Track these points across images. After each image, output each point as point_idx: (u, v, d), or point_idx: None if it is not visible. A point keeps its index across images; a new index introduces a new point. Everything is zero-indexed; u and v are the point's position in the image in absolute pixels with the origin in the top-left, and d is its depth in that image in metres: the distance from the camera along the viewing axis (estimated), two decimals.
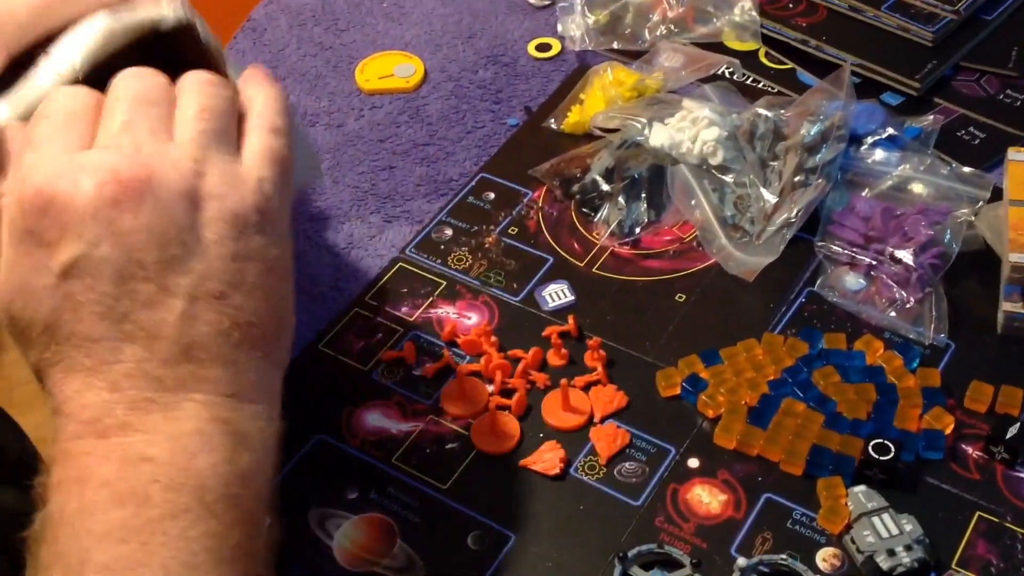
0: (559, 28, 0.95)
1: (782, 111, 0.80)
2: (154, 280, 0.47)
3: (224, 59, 0.62)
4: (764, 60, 0.91)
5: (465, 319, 0.74)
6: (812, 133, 0.78)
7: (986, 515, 0.62)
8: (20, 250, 0.47)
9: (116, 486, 0.45)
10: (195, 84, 0.52)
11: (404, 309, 0.74)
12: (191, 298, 0.47)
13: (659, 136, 0.80)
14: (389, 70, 0.93)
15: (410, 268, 0.77)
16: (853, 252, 0.74)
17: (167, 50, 0.63)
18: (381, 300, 0.75)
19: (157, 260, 0.47)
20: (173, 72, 0.63)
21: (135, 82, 0.51)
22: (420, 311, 0.74)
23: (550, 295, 0.75)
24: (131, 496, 0.45)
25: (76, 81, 0.54)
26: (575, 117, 0.85)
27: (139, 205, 0.47)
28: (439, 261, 0.77)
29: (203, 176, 0.48)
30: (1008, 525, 0.61)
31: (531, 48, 0.94)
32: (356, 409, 0.68)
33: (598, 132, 0.84)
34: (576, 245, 0.78)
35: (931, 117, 0.83)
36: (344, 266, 0.78)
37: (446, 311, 0.74)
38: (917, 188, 0.78)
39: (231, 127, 0.52)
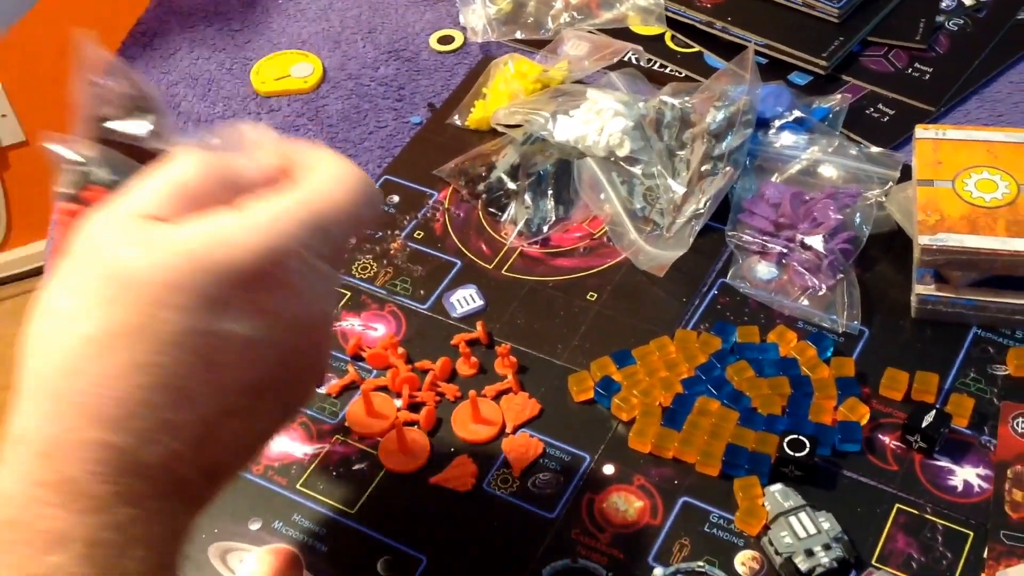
0: (461, 19, 0.92)
1: (688, 98, 0.78)
2: None
3: None
4: (671, 44, 0.89)
5: (371, 331, 0.71)
6: (718, 119, 0.76)
7: (905, 507, 0.61)
8: None
9: None
10: None
11: None
12: None
13: (564, 130, 0.78)
14: (286, 70, 0.89)
15: None
16: (764, 240, 0.73)
17: None
18: None
19: None
20: None
21: None
22: None
23: (459, 301, 0.73)
24: None
25: None
26: (479, 113, 0.83)
27: None
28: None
29: None
30: (928, 516, 0.60)
31: (433, 41, 0.91)
32: None
33: (501, 128, 0.81)
34: (484, 247, 0.76)
35: (839, 96, 0.81)
36: None
37: (351, 323, 0.71)
38: (826, 171, 0.76)
39: None
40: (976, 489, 0.61)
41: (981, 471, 0.62)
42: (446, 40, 0.91)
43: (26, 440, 0.42)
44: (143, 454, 0.42)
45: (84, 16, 1.54)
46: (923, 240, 0.67)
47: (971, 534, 0.59)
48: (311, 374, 0.49)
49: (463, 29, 0.92)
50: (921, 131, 0.73)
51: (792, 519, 0.59)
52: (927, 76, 0.85)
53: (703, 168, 0.75)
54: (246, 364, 0.44)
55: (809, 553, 0.58)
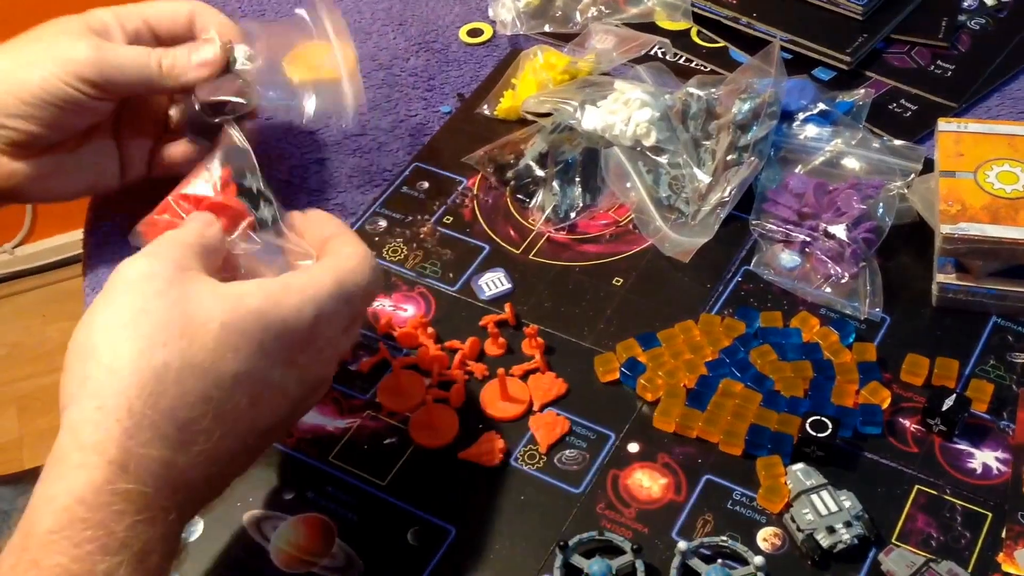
0: (490, 12, 0.94)
1: (713, 90, 0.80)
2: None
3: None
4: (696, 39, 0.91)
5: (401, 311, 0.73)
6: (743, 111, 0.77)
7: (925, 488, 0.62)
8: None
9: None
10: None
11: None
12: None
13: (592, 119, 0.79)
14: (318, 60, 0.91)
15: None
16: (787, 229, 0.74)
17: None
18: None
19: None
20: None
21: None
22: None
23: (487, 284, 0.74)
24: None
25: None
26: (508, 102, 0.84)
27: None
28: (374, 254, 0.76)
29: None
30: (947, 497, 0.62)
31: (463, 34, 0.93)
32: None
33: (531, 117, 0.83)
34: (512, 232, 0.77)
35: (862, 91, 0.83)
36: None
37: (381, 304, 0.73)
38: (850, 163, 0.77)
39: None
40: (995, 472, 0.63)
41: (1000, 455, 0.63)
42: (475, 33, 0.93)
43: (101, 450, 0.47)
44: (190, 474, 0.49)
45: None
46: (945, 229, 0.68)
47: (989, 515, 0.61)
48: (294, 423, 0.59)
49: (492, 22, 0.93)
50: (943, 124, 0.74)
51: (814, 497, 0.60)
52: (949, 73, 0.86)
53: (728, 158, 0.76)
54: (273, 407, 0.53)
55: (830, 530, 0.59)
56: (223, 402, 0.50)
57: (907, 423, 0.65)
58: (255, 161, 0.67)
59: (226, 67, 0.70)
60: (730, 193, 0.75)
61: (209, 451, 0.49)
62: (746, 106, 0.77)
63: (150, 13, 0.71)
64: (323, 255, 0.58)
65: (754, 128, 0.77)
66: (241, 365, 0.50)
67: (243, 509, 0.62)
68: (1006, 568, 0.58)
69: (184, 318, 0.50)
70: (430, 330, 0.71)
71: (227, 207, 0.63)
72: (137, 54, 0.68)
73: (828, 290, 0.71)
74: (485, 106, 0.86)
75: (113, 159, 0.73)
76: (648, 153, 0.78)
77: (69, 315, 1.87)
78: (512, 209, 0.79)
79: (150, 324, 0.49)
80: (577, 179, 0.78)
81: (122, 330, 0.49)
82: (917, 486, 0.62)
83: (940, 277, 0.70)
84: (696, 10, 0.91)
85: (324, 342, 0.55)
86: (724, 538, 0.60)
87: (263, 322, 0.51)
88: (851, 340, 0.69)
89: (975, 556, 0.59)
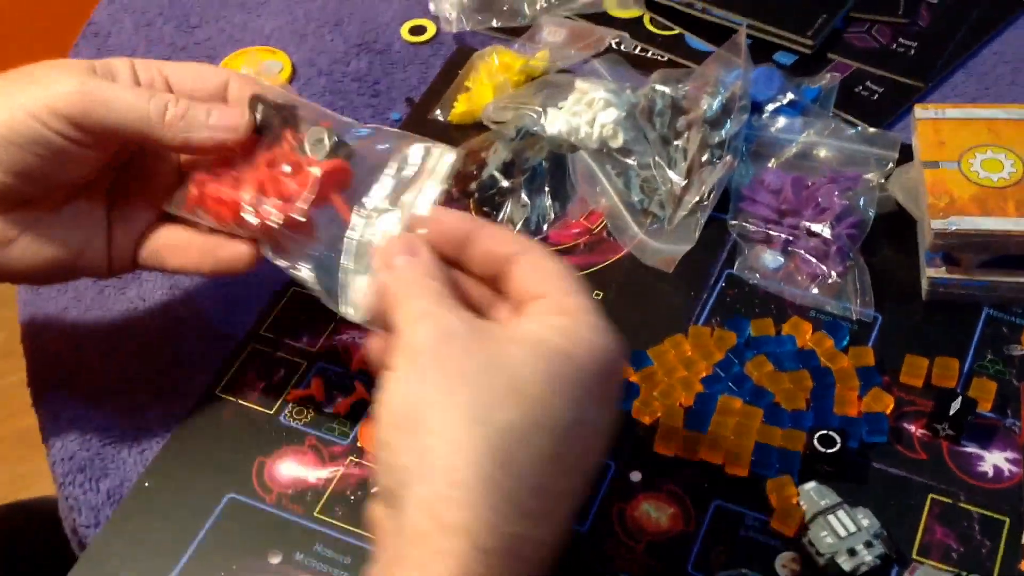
0: (432, 7, 0.89)
1: (679, 84, 0.76)
2: None
3: None
4: (650, 26, 0.87)
5: None
6: (714, 107, 0.74)
7: (938, 496, 0.60)
8: None
9: None
10: None
11: (305, 339, 0.68)
12: None
13: (555, 123, 0.75)
14: (253, 68, 0.85)
15: (305, 291, 0.71)
16: (768, 229, 0.71)
17: None
18: (278, 331, 0.69)
19: None
20: None
21: None
22: (323, 339, 0.68)
23: None
24: None
25: None
26: (463, 107, 0.80)
27: None
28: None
29: None
30: (962, 505, 0.60)
31: (404, 32, 0.88)
32: (267, 459, 0.63)
33: (493, 126, 0.78)
34: None
35: (828, 75, 0.80)
36: (230, 295, 0.71)
37: (351, 336, 0.68)
38: (823, 153, 0.75)
39: None
40: (1007, 474, 0.61)
41: (1009, 455, 0.62)
42: (418, 30, 0.88)
43: (467, 531, 0.42)
44: (548, 542, 0.45)
45: (34, 17, 1.46)
46: (936, 225, 0.66)
47: (1007, 520, 0.59)
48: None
49: (435, 18, 0.88)
50: (920, 111, 0.72)
51: (831, 518, 0.58)
52: (912, 51, 0.84)
53: (702, 157, 0.73)
54: (596, 451, 0.48)
55: (852, 552, 0.57)
56: (565, 457, 0.45)
57: (912, 428, 0.63)
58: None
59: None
60: (708, 195, 0.72)
61: (563, 514, 0.45)
62: (716, 101, 0.74)
63: (171, 71, 0.59)
64: (526, 275, 0.50)
65: (727, 124, 0.74)
66: (572, 413, 0.45)
67: None
68: None
69: (503, 373, 0.45)
70: None
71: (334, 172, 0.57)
72: (134, 94, 0.55)
73: (815, 291, 0.69)
74: (438, 111, 0.81)
75: (99, 232, 0.60)
76: (616, 155, 0.75)
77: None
78: None
79: (472, 388, 0.44)
80: (546, 188, 0.74)
81: (447, 397, 0.44)
82: (931, 495, 0.60)
83: (930, 272, 0.68)
84: None
85: (621, 372, 0.51)
86: (744, 571, 0.57)
87: (576, 363, 0.46)
88: (845, 343, 0.66)
89: (998, 565, 0.58)
